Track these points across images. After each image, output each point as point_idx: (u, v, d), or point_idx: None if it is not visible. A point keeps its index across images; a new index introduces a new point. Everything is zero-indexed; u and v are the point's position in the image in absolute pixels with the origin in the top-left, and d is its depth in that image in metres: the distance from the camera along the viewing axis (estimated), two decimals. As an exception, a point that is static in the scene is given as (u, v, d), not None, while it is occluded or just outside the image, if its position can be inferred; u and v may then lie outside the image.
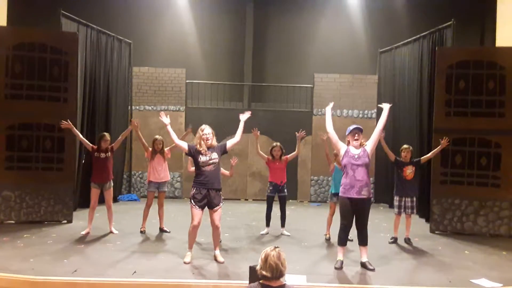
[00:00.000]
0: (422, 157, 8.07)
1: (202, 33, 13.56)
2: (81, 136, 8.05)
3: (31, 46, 8.68)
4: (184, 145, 6.35)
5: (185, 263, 6.08)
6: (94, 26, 10.86)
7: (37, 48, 8.70)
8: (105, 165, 7.83)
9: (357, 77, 13.05)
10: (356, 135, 6.13)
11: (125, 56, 12.40)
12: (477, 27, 12.80)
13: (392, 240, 7.74)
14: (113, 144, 7.97)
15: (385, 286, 5.31)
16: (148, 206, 8.06)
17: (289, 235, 8.08)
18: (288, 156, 8.24)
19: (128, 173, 12.73)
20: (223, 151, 6.35)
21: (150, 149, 8.09)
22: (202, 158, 6.16)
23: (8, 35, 8.70)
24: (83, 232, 7.72)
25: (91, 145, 7.91)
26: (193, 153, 6.23)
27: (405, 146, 7.94)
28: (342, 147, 6.22)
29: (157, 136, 8.23)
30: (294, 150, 8.29)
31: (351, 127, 6.21)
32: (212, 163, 6.17)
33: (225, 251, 6.79)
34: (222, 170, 7.11)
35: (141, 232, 7.94)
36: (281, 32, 13.72)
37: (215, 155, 6.20)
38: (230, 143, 6.36)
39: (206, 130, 6.27)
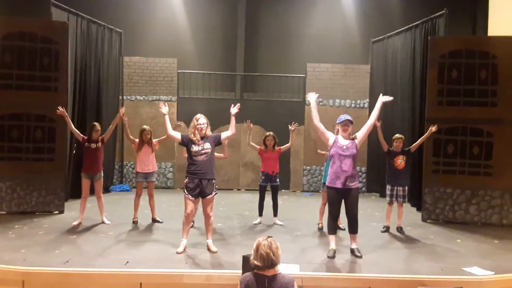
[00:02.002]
0: (411, 146, 8.04)
1: (194, 22, 13.46)
2: (72, 126, 7.99)
3: (21, 35, 8.57)
4: (177, 135, 6.37)
5: (177, 253, 6.07)
6: (85, 16, 10.75)
7: (27, 38, 8.59)
8: (95, 155, 7.77)
9: (349, 66, 13.02)
10: (346, 126, 6.13)
11: (116, 45, 12.29)
12: (469, 16, 12.83)
13: (384, 229, 7.76)
14: (103, 135, 7.91)
15: (378, 275, 5.32)
16: (138, 196, 8.03)
17: (282, 225, 8.08)
18: (282, 147, 8.23)
19: (120, 163, 12.66)
20: (217, 143, 6.37)
21: (137, 140, 8.03)
22: (195, 148, 6.16)
23: (-3, 24, 8.59)
24: (75, 223, 7.68)
25: (82, 135, 7.85)
26: (186, 143, 6.25)
27: (397, 135, 7.94)
28: (330, 137, 6.23)
29: (145, 126, 8.16)
30: (287, 141, 8.26)
31: (342, 117, 6.19)
32: (205, 153, 6.17)
33: (218, 240, 6.78)
34: (216, 154, 7.08)
35: (133, 222, 7.91)
36: (274, 21, 13.64)
37: (208, 145, 6.20)
38: (224, 135, 6.38)
39: (201, 120, 6.27)
